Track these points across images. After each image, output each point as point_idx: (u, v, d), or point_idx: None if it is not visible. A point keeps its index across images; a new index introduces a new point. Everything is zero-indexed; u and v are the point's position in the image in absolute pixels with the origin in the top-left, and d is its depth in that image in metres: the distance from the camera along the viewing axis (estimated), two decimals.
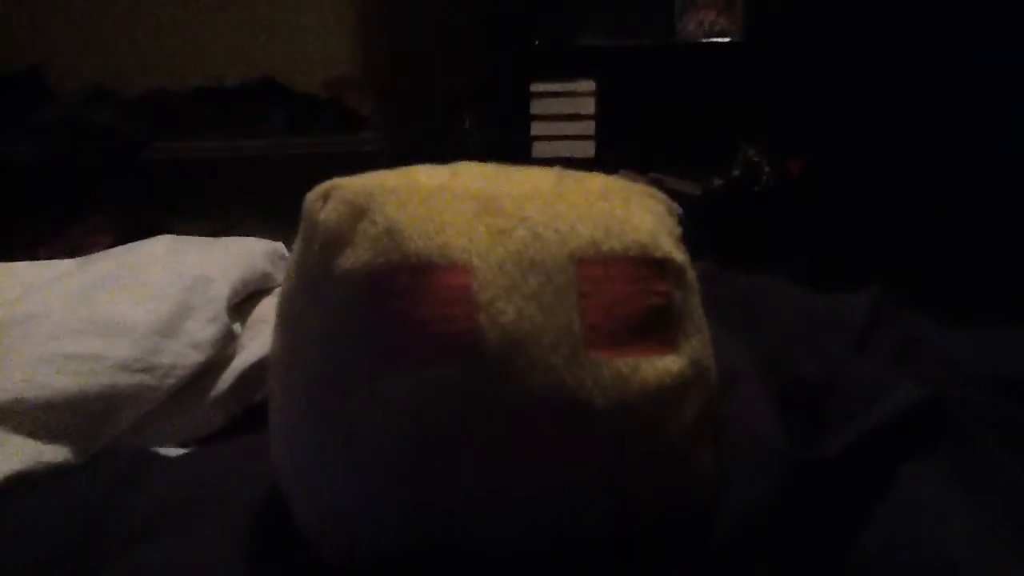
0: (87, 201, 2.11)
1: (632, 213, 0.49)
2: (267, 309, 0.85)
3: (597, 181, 0.52)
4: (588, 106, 2.00)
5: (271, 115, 2.12)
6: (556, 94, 2.00)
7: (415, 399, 0.45)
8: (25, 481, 0.62)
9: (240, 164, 2.09)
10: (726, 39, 1.99)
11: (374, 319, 0.46)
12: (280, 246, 0.92)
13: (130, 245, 0.87)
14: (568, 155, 1.99)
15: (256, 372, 0.79)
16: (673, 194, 1.83)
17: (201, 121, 2.12)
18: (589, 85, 2.00)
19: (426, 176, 0.51)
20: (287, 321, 0.51)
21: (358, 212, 0.48)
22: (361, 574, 0.48)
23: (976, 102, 1.65)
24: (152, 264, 0.81)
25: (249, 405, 0.78)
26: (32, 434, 0.65)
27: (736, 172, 1.96)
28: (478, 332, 0.45)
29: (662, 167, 1.98)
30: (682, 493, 0.49)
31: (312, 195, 0.51)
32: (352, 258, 0.47)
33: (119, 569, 0.51)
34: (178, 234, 0.90)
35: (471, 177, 0.51)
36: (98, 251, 0.89)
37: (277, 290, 0.87)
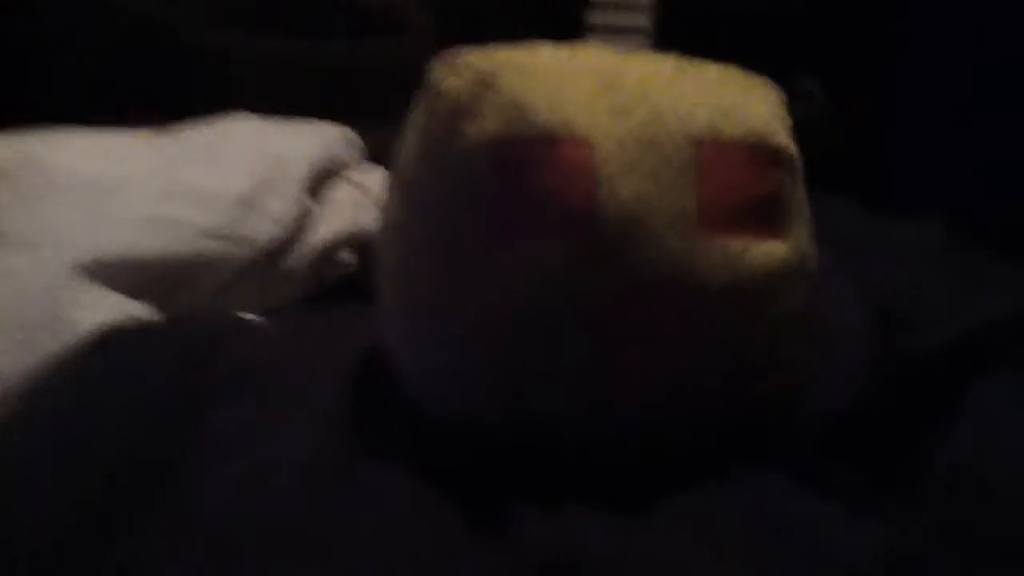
0: (132, 97, 2.09)
1: (749, 101, 0.50)
2: (339, 191, 0.86)
3: (715, 69, 0.53)
4: (643, 19, 1.97)
5: (320, 15, 2.09)
6: (612, 5, 1.97)
7: (531, 270, 0.46)
8: (114, 332, 0.64)
9: (280, 66, 2.06)
10: None
11: (498, 188, 0.47)
12: (351, 133, 0.93)
13: (208, 121, 0.88)
14: (623, 47, 1.96)
15: (329, 249, 0.81)
16: None
17: (250, 17, 2.08)
18: None
19: (549, 53, 0.51)
20: (405, 188, 0.52)
21: (484, 83, 0.49)
22: (468, 437, 0.49)
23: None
24: (233, 139, 0.82)
25: (325, 283, 0.80)
26: (122, 290, 0.67)
27: (791, 100, 1.93)
28: (597, 205, 0.46)
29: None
30: (781, 377, 0.51)
31: (437, 66, 0.52)
32: (478, 128, 0.48)
33: (213, 420, 0.53)
34: None
35: (594, 58, 0.52)
36: None
37: (346, 173, 0.88)
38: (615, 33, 1.98)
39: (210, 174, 0.76)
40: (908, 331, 0.56)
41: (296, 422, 0.51)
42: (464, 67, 0.50)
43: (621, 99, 0.48)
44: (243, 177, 0.77)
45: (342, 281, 0.81)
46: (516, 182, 0.47)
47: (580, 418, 0.49)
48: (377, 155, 0.93)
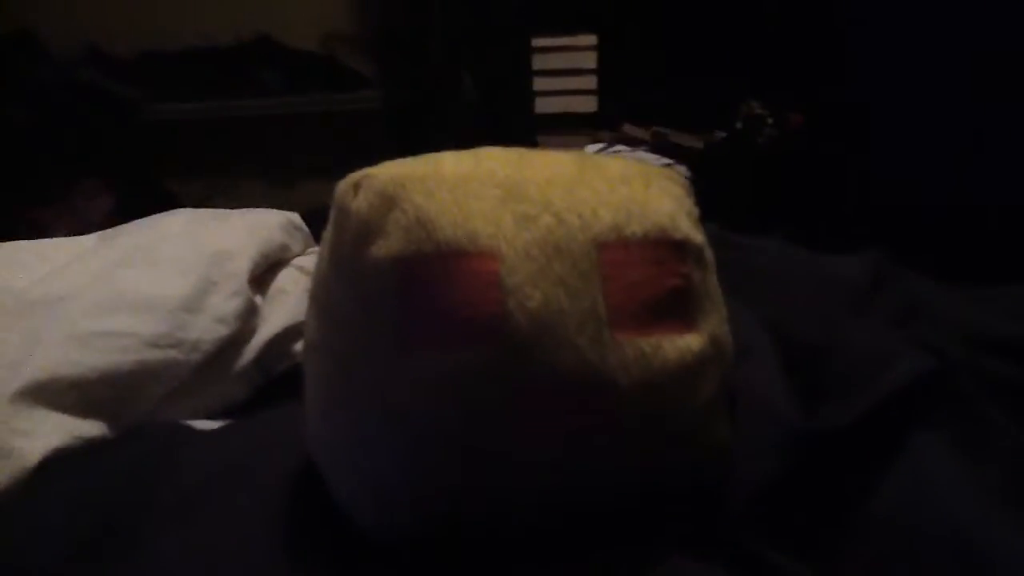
0: (83, 164, 2.11)
1: (652, 196, 0.51)
2: (285, 280, 0.87)
3: (617, 165, 0.54)
4: (589, 60, 2.00)
5: (267, 74, 2.12)
6: (557, 48, 2.00)
7: (446, 379, 0.47)
8: (63, 457, 0.64)
9: (237, 124, 2.09)
10: None
11: (406, 305, 0.48)
12: (295, 217, 0.93)
13: (148, 220, 0.89)
14: (570, 110, 1.99)
15: (278, 343, 0.81)
16: (676, 148, 1.82)
17: (196, 81, 2.10)
18: (590, 39, 2.00)
19: (452, 163, 0.52)
20: (320, 305, 0.53)
21: (389, 202, 0.50)
22: (401, 546, 0.50)
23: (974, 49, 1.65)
24: (172, 239, 0.82)
25: (272, 376, 0.81)
26: (68, 410, 0.67)
27: (738, 125, 1.97)
28: (507, 316, 0.47)
29: (665, 121, 1.99)
30: (699, 465, 0.52)
31: (343, 185, 0.52)
32: (384, 247, 0.49)
33: (160, 544, 0.54)
34: (176, 195, 0.91)
35: (495, 163, 0.53)
36: (100, 214, 0.90)
37: (296, 261, 0.89)
38: (562, 75, 2.01)
39: (150, 279, 0.77)
40: (832, 396, 0.57)
41: (237, 546, 0.52)
42: (368, 185, 0.51)
43: (525, 207, 0.49)
44: (184, 279, 0.77)
45: (295, 372, 0.82)
46: (423, 298, 0.48)
47: (503, 514, 0.50)
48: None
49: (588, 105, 2.02)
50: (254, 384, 0.80)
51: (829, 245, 0.93)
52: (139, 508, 0.57)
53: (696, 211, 0.54)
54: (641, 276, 0.49)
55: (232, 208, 0.93)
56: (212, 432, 0.68)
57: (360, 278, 0.49)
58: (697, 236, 0.52)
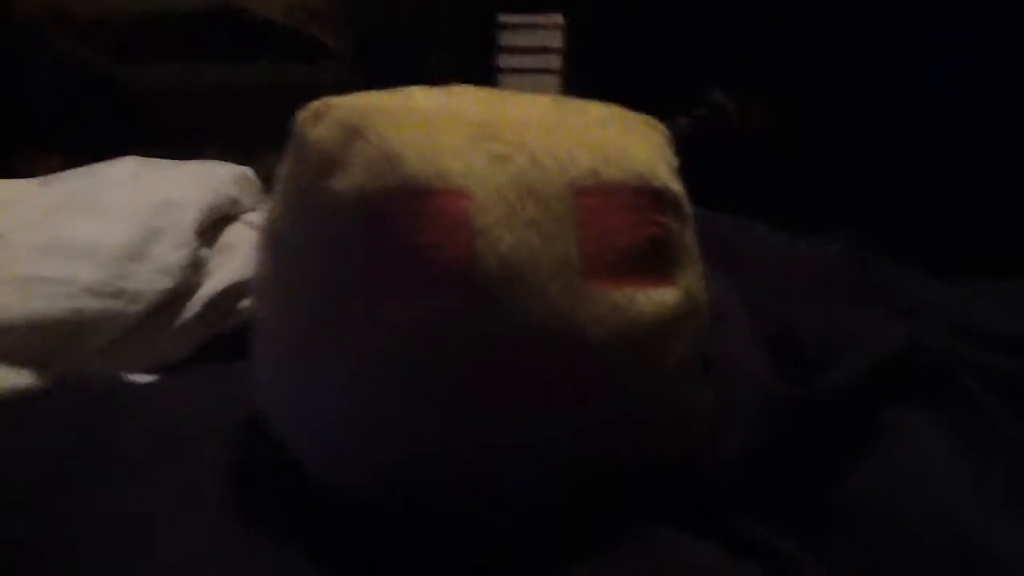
0: (32, 130, 2.03)
1: (631, 142, 0.48)
2: (235, 235, 0.83)
3: (596, 109, 0.51)
4: (556, 40, 1.97)
5: (230, 42, 2.05)
6: (524, 26, 1.97)
7: (414, 328, 0.44)
8: None
9: (198, 93, 2.03)
10: None
11: (370, 245, 0.45)
12: (248, 171, 0.89)
13: (92, 166, 0.84)
14: (534, 90, 1.96)
15: (224, 299, 0.77)
16: None
17: (156, 48, 2.04)
18: (557, 19, 1.97)
19: (423, 98, 0.49)
20: (277, 244, 0.49)
21: (352, 132, 0.46)
22: (355, 500, 0.47)
23: (954, 49, 1.66)
24: (117, 186, 0.78)
25: (217, 332, 0.77)
26: (2, 359, 0.63)
27: (700, 112, 1.95)
28: (476, 259, 0.44)
29: (629, 105, 1.97)
30: (676, 427, 0.49)
31: (303, 113, 0.49)
32: (346, 180, 0.45)
33: (104, 500, 0.50)
34: None
35: (469, 101, 0.50)
36: None
37: (247, 216, 0.85)
38: (527, 54, 1.98)
39: (92, 225, 0.72)
40: (809, 368, 0.55)
41: (181, 505, 0.48)
42: (331, 115, 0.47)
43: (498, 146, 0.46)
44: (128, 226, 0.73)
45: (240, 330, 0.78)
46: (389, 237, 0.44)
47: (468, 473, 0.47)
48: None
49: (552, 85, 1.99)
50: (197, 340, 0.76)
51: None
52: (80, 463, 0.53)
53: (676, 161, 0.51)
54: (618, 224, 0.46)
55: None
56: (154, 385, 0.64)
57: (320, 214, 0.46)
58: (676, 186, 0.49)
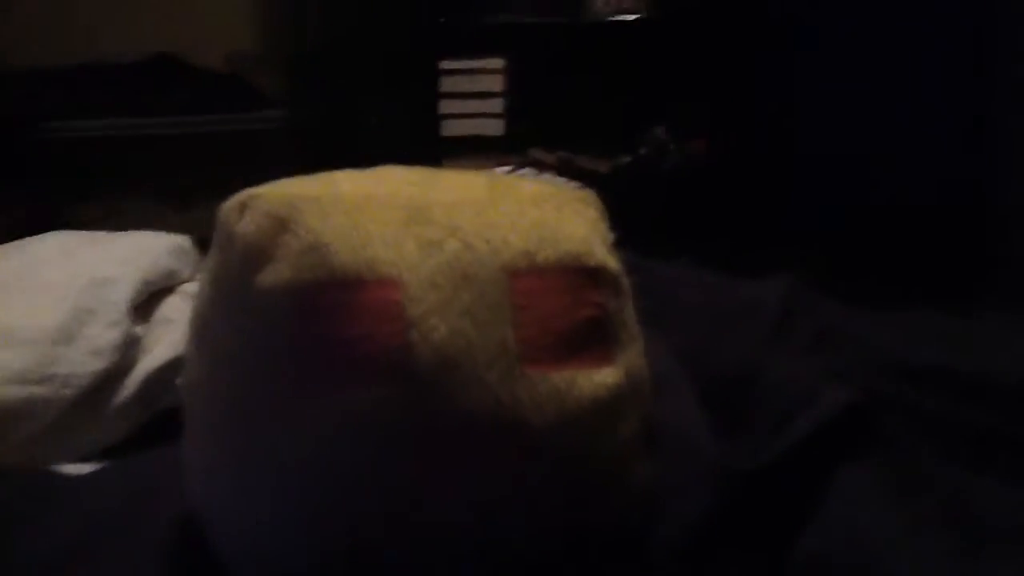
0: None
1: (565, 220, 0.48)
2: (171, 308, 0.81)
3: (529, 187, 0.50)
4: (497, 84, 1.98)
5: (169, 92, 2.03)
6: (464, 71, 1.97)
7: (345, 422, 0.43)
8: None
9: (136, 144, 1.99)
10: (634, 16, 1.99)
11: (299, 339, 0.43)
12: (184, 240, 0.87)
13: (19, 243, 0.82)
14: (477, 133, 1.96)
15: (162, 376, 0.75)
16: (582, 172, 1.82)
17: (94, 99, 2.00)
18: (498, 63, 1.98)
19: (349, 183, 0.48)
20: (203, 340, 0.48)
21: (279, 224, 0.45)
22: None
23: (875, 85, 1.70)
24: (45, 264, 0.76)
25: (155, 412, 0.74)
26: None
27: (643, 151, 1.97)
28: (409, 350, 0.42)
29: (572, 145, 1.98)
30: (619, 507, 0.48)
31: (228, 205, 0.47)
32: (274, 274, 0.44)
33: None
34: (70, 217, 0.84)
35: (397, 183, 0.49)
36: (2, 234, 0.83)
37: (184, 287, 0.83)
38: (469, 98, 1.99)
39: (18, 308, 0.70)
40: (752, 431, 0.54)
41: None
42: (256, 206, 0.46)
43: (429, 231, 0.45)
44: (57, 308, 0.71)
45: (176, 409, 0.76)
46: (319, 330, 0.43)
47: (405, 562, 0.45)
48: None
49: (495, 128, 2.00)
50: (134, 421, 0.74)
51: (738, 267, 0.91)
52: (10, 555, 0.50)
53: (611, 236, 0.50)
54: (554, 306, 0.45)
55: (135, 225, 0.87)
56: (83, 479, 0.62)
57: (247, 309, 0.44)
58: (613, 263, 0.48)
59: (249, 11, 2.15)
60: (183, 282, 0.84)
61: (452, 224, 0.45)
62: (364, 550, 0.44)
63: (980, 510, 0.50)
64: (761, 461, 0.51)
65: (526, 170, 1.82)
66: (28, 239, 0.83)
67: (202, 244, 0.88)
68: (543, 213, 0.47)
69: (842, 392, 0.54)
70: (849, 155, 1.77)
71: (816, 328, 0.75)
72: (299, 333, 0.43)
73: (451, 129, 1.97)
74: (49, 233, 0.84)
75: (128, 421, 0.73)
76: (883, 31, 1.72)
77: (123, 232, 0.85)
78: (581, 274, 0.46)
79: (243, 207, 0.46)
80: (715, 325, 0.74)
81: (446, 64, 1.96)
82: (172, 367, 0.75)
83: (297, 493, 0.44)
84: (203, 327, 0.48)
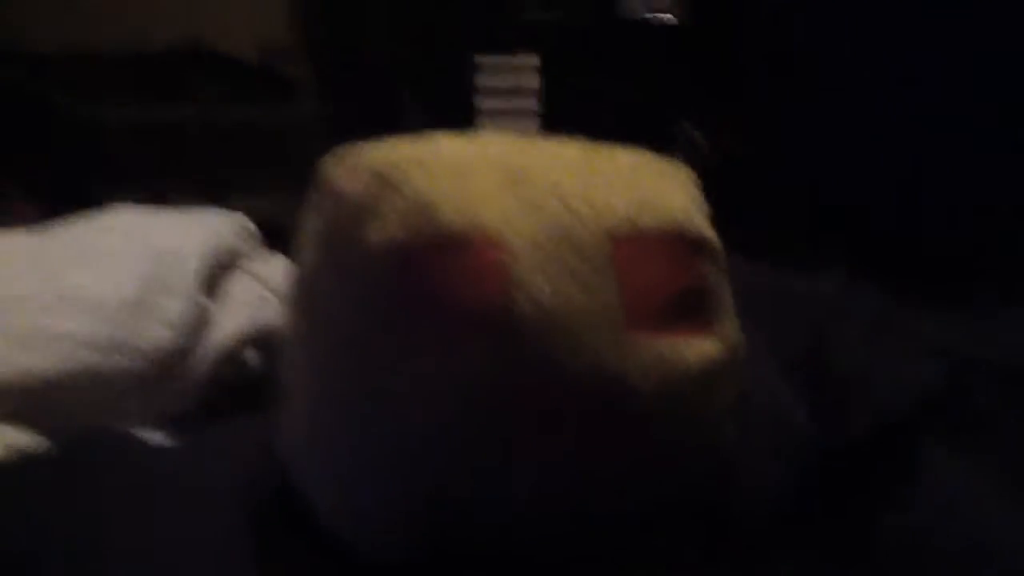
0: (7, 170, 2.00)
1: (666, 189, 0.48)
2: (237, 285, 0.81)
3: (625, 154, 0.51)
4: (532, 80, 1.98)
5: (201, 81, 2.05)
6: (500, 68, 1.98)
7: (446, 378, 0.43)
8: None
9: (168, 132, 2.00)
10: (668, 16, 1.99)
11: (404, 296, 0.44)
12: (245, 220, 0.88)
13: (87, 217, 0.82)
14: (511, 130, 1.97)
15: (230, 351, 0.76)
16: None
17: (126, 85, 2.02)
18: (533, 59, 1.98)
19: (450, 145, 0.49)
20: (306, 298, 0.48)
21: (384, 183, 0.45)
22: (384, 565, 0.46)
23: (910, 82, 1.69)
24: (117, 236, 0.77)
25: (225, 385, 0.75)
26: (4, 418, 0.61)
27: (677, 149, 1.97)
28: (514, 309, 0.43)
29: (606, 143, 1.98)
30: (710, 475, 0.49)
31: (330, 164, 0.48)
32: (380, 231, 0.44)
33: (120, 573, 0.48)
34: (103, 205, 0.85)
35: (496, 147, 0.49)
36: (29, 224, 0.84)
37: (247, 266, 0.84)
38: (504, 95, 1.99)
39: (92, 278, 0.71)
40: (841, 405, 0.55)
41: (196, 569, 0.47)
42: (361, 164, 0.47)
43: (531, 193, 0.45)
44: (129, 278, 0.71)
45: (245, 383, 0.76)
46: (424, 287, 0.44)
47: (510, 523, 0.46)
48: (268, 224, 0.89)
49: (529, 126, 2.00)
50: (203, 395, 0.74)
51: (782, 263, 0.91)
52: (90, 529, 0.51)
53: (707, 208, 0.51)
54: (657, 273, 0.46)
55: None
56: (166, 441, 0.62)
57: (353, 265, 0.45)
58: (712, 234, 0.49)
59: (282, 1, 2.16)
60: (243, 260, 0.85)
61: (553, 186, 0.46)
62: (460, 508, 0.45)
63: None
64: (852, 435, 0.51)
65: None
66: (92, 213, 0.84)
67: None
68: (643, 180, 0.48)
69: (933, 368, 0.54)
70: (886, 153, 1.76)
71: (879, 322, 0.75)
72: (404, 290, 0.44)
73: (485, 125, 1.98)
74: (114, 208, 0.84)
75: (196, 395, 0.73)
76: (919, 28, 1.71)
77: (187, 209, 0.86)
78: (683, 243, 0.47)
79: (346, 164, 0.47)
80: (779, 312, 0.74)
81: (482, 59, 1.97)
82: (240, 342, 0.76)
83: (402, 447, 0.44)
84: (306, 284, 0.48)
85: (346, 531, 0.47)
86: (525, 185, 0.46)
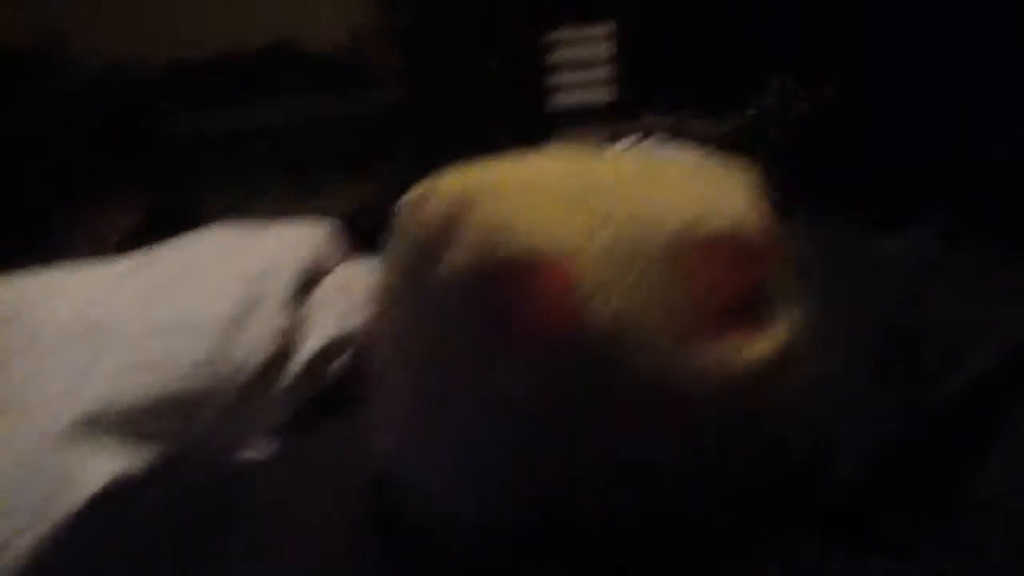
0: (104, 178, 2.09)
1: (725, 193, 0.50)
2: (325, 293, 0.85)
3: (683, 162, 0.52)
4: (606, 50, 1.98)
5: (290, 79, 2.11)
6: (574, 40, 1.97)
7: (527, 388, 0.46)
8: (119, 488, 0.63)
9: (263, 132, 2.07)
10: None
11: (482, 318, 0.47)
12: (331, 227, 0.92)
13: (182, 240, 0.87)
14: (588, 101, 1.97)
15: (320, 359, 0.80)
16: (698, 135, 1.79)
17: (219, 90, 2.09)
18: (607, 28, 1.97)
19: (515, 169, 0.51)
20: (391, 324, 0.52)
21: (457, 212, 0.49)
22: (479, 566, 0.49)
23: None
24: (211, 259, 0.81)
25: (319, 390, 0.79)
26: (121, 440, 0.65)
27: (768, 102, 1.93)
28: (584, 323, 0.45)
29: (686, 108, 1.96)
30: (784, 461, 0.50)
31: (410, 197, 0.52)
32: (456, 259, 0.48)
33: None
34: (196, 212, 0.89)
35: (558, 166, 0.52)
36: (123, 233, 0.89)
37: (334, 273, 0.88)
38: (579, 67, 1.99)
39: (192, 300, 0.75)
40: (929, 367, 0.55)
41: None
42: (437, 197, 0.50)
43: (596, 208, 0.48)
44: (227, 298, 0.76)
45: (332, 387, 0.80)
46: (499, 309, 0.47)
47: (591, 519, 0.49)
48: (353, 211, 0.93)
49: (606, 95, 2.00)
50: (298, 403, 0.78)
51: (876, 216, 0.90)
52: (203, 544, 0.55)
53: (768, 207, 0.52)
54: (720, 275, 0.47)
55: (261, 218, 0.92)
56: (266, 456, 0.67)
57: (431, 293, 0.49)
58: (772, 234, 0.50)
59: None
60: (330, 269, 0.89)
61: (615, 200, 0.48)
62: (553, 502, 0.48)
63: None
64: (948, 394, 0.52)
65: (640, 138, 1.82)
66: (186, 236, 0.89)
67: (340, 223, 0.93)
68: (701, 187, 0.50)
69: (1016, 330, 0.54)
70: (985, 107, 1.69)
71: (976, 279, 0.74)
72: (482, 312, 0.47)
73: (562, 98, 1.98)
74: (205, 230, 0.89)
75: (289, 404, 0.78)
76: None
77: (276, 224, 0.90)
78: (742, 245, 0.48)
79: (424, 198, 0.50)
80: (874, 271, 0.74)
81: (556, 33, 1.97)
82: (329, 350, 0.80)
83: (480, 465, 0.48)
84: (391, 311, 0.52)
85: (443, 533, 0.50)
86: (588, 201, 0.48)
